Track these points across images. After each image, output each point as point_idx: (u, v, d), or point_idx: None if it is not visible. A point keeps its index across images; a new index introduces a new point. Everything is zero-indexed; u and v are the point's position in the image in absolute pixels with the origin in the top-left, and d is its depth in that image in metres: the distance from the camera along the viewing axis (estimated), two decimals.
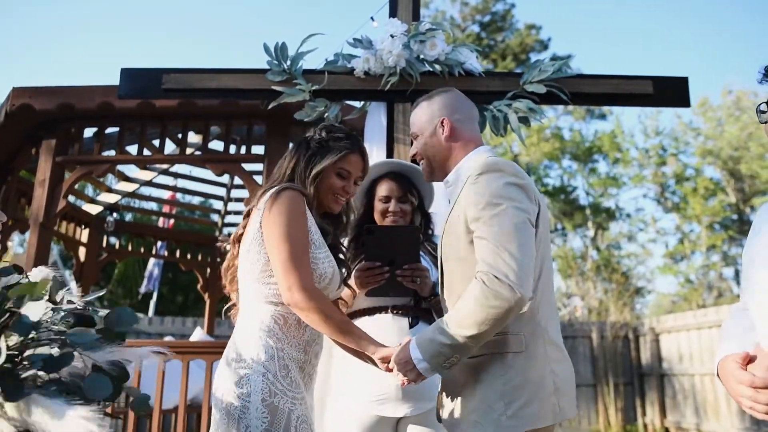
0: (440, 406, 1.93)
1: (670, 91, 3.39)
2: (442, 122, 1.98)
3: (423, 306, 2.42)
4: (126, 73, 3.34)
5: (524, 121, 3.24)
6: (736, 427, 8.72)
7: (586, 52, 33.22)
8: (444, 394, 1.91)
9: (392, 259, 2.23)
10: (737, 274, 23.52)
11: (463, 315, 1.62)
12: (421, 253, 2.40)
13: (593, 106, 4.19)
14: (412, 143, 2.09)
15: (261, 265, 1.85)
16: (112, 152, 4.97)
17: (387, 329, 2.33)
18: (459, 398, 1.80)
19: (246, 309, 1.89)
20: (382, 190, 2.55)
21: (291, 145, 2.09)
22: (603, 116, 23.54)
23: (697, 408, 9.63)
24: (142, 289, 9.59)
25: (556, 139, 20.51)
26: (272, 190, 1.88)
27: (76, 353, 1.26)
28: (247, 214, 1.98)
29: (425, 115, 2.02)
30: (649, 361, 10.95)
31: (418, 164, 2.13)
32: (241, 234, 1.96)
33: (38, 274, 1.49)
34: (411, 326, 2.35)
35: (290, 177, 1.96)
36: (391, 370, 1.84)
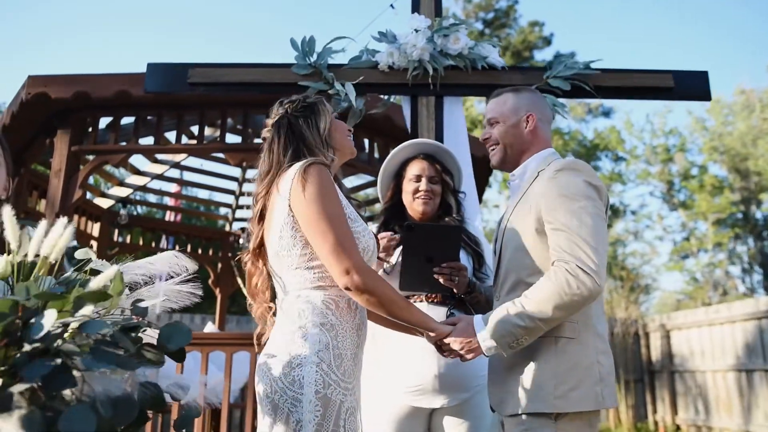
0: (490, 384, 2.01)
1: (691, 85, 3.38)
2: (528, 117, 2.07)
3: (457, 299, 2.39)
4: (152, 67, 3.35)
5: None
6: (748, 424, 8.67)
7: (589, 49, 33.21)
8: (493, 374, 2.00)
9: (431, 256, 2.21)
10: (743, 271, 23.49)
11: (542, 299, 1.71)
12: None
13: (614, 99, 4.20)
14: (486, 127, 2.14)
15: (299, 249, 1.73)
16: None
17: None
18: (509, 378, 1.88)
19: (290, 298, 1.77)
20: (414, 169, 2.52)
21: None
22: (607, 114, 23.49)
23: (709, 405, 9.57)
24: None
25: (559, 137, 20.44)
26: (294, 169, 1.74)
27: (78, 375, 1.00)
28: (261, 217, 1.85)
29: (512, 105, 2.09)
30: (659, 357, 10.88)
31: (489, 148, 2.15)
32: (260, 241, 1.85)
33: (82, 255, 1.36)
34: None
35: (294, 155, 1.81)
36: (444, 351, 1.88)
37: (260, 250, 1.88)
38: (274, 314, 1.87)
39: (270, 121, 1.94)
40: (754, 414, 8.63)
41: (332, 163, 1.90)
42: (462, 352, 1.81)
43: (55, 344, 1.02)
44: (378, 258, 2.19)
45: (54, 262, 1.21)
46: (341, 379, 1.67)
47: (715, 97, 22.40)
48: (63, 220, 1.22)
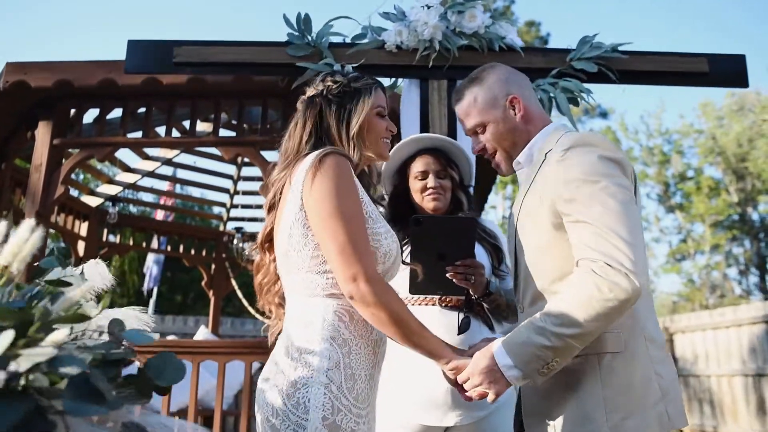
0: (526, 416, 1.65)
1: (727, 70, 3.11)
2: (511, 101, 1.69)
3: (475, 304, 2.13)
4: (133, 45, 3.02)
5: (573, 101, 2.95)
6: (755, 430, 8.47)
7: None
8: (526, 403, 1.64)
9: (443, 252, 1.92)
10: (740, 274, 23.43)
11: (569, 311, 1.38)
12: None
13: (642, 85, 3.88)
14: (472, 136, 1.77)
15: (310, 250, 1.49)
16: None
17: (433, 325, 2.01)
18: (547, 409, 1.55)
19: (297, 306, 1.52)
20: (418, 165, 2.29)
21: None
22: (605, 114, 23.37)
23: (714, 410, 9.38)
24: (145, 288, 9.29)
25: None
26: (310, 158, 1.51)
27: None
28: (271, 207, 1.62)
29: (485, 98, 1.71)
30: None
31: (491, 160, 1.80)
32: (270, 230, 1.61)
33: (92, 270, 1.12)
34: (460, 331, 2.04)
35: (314, 144, 1.58)
36: (459, 386, 1.55)
37: (269, 243, 1.65)
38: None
39: (305, 96, 1.69)
40: (762, 419, 8.43)
41: (355, 161, 1.62)
42: (483, 387, 1.46)
43: (23, 380, 0.78)
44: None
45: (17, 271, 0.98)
46: (353, 404, 1.42)
47: (706, 101, 22.42)
48: (30, 221, 0.99)
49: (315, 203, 1.46)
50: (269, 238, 1.64)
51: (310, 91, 1.67)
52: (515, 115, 1.69)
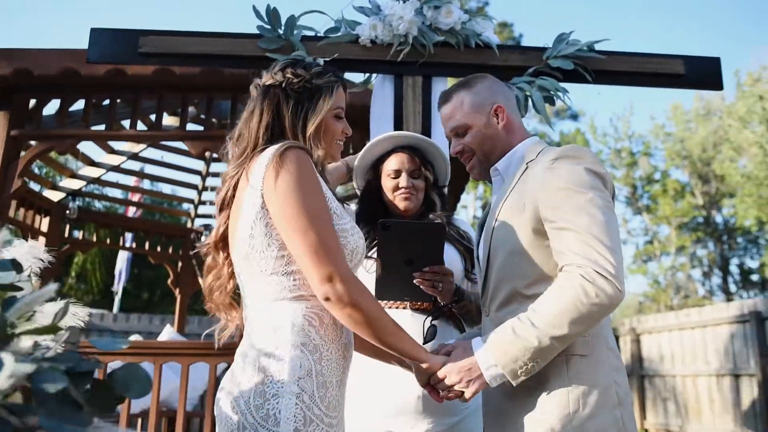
0: (486, 415, 1.71)
1: (703, 73, 3.10)
2: (496, 110, 1.77)
3: (444, 310, 2.07)
4: (97, 33, 2.88)
5: (549, 100, 2.91)
6: (718, 429, 8.62)
7: None
8: (486, 404, 1.68)
9: (410, 258, 1.86)
10: (704, 275, 23.97)
11: (556, 312, 1.43)
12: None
13: (618, 85, 3.85)
14: (450, 140, 1.84)
15: (275, 251, 1.41)
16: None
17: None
18: (511, 408, 1.58)
19: (262, 310, 1.43)
20: (392, 163, 2.23)
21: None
22: (575, 117, 23.64)
23: (679, 409, 9.53)
24: (116, 287, 9.07)
25: None
26: (269, 153, 1.42)
27: None
28: (223, 205, 1.53)
29: (472, 103, 1.77)
30: (629, 361, 10.83)
31: (466, 163, 1.84)
32: (225, 230, 1.53)
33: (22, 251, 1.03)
34: (425, 341, 1.96)
35: (270, 138, 1.50)
36: (431, 388, 1.55)
37: (223, 243, 1.55)
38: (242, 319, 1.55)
39: (262, 80, 1.59)
40: (724, 419, 8.59)
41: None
42: (461, 386, 1.49)
43: None
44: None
45: None
46: (325, 413, 1.35)
47: (675, 104, 22.87)
48: None
49: (279, 201, 1.38)
50: (223, 238, 1.55)
51: (268, 79, 1.58)
52: (498, 123, 1.76)
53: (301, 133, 1.52)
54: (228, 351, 3.64)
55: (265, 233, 1.41)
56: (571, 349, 1.51)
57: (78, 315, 1.03)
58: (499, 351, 1.46)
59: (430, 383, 1.55)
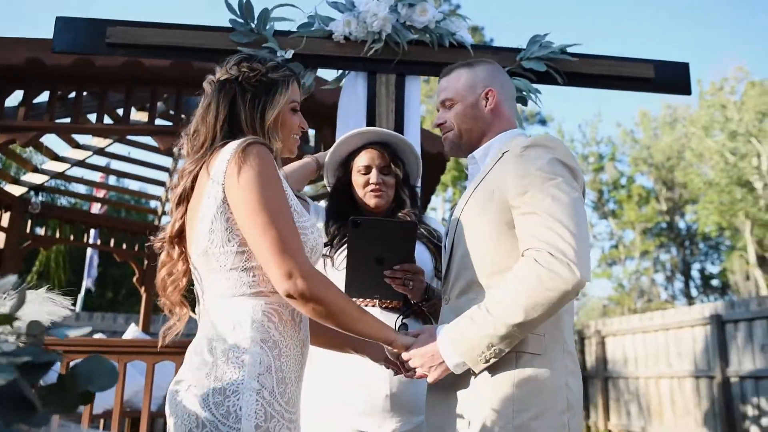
0: (429, 405, 1.70)
1: (671, 77, 3.15)
2: (487, 93, 1.79)
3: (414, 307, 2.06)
4: (63, 22, 2.78)
5: (521, 101, 2.93)
6: (680, 430, 8.79)
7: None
8: (434, 389, 1.66)
9: (381, 256, 1.85)
10: (667, 279, 24.51)
11: (510, 299, 1.42)
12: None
13: (588, 88, 3.89)
14: (438, 110, 1.85)
15: (234, 246, 1.41)
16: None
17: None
18: (454, 401, 1.57)
19: (221, 306, 1.42)
20: (362, 159, 2.22)
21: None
22: (544, 122, 23.93)
23: (642, 411, 9.70)
24: (88, 285, 8.87)
25: None
26: (231, 148, 1.41)
27: None
28: (180, 200, 1.51)
29: (467, 81, 1.81)
30: (594, 363, 10.99)
31: (443, 134, 1.85)
32: (181, 225, 1.51)
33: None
34: None
35: (228, 133, 1.50)
36: (397, 368, 1.63)
37: (179, 238, 1.54)
38: (193, 309, 1.55)
39: (216, 76, 1.58)
40: (686, 420, 8.77)
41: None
42: (423, 370, 1.51)
43: None
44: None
45: None
46: (285, 409, 1.36)
47: (643, 110, 23.30)
48: None
49: (241, 196, 1.37)
50: (179, 233, 1.53)
51: (222, 74, 1.57)
52: (486, 106, 1.78)
53: (259, 127, 1.52)
54: None
55: (226, 228, 1.40)
56: (522, 346, 1.50)
57: (61, 304, 0.99)
58: (459, 339, 1.47)
59: (399, 360, 1.60)
